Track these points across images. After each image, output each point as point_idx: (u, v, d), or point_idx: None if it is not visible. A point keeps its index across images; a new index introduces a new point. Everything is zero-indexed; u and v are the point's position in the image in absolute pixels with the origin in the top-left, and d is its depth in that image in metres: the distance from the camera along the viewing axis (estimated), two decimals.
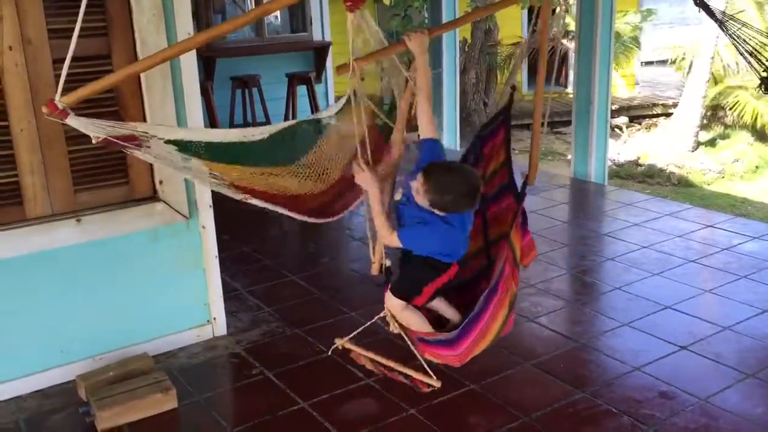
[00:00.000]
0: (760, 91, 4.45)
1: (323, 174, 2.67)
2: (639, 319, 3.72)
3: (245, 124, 8.15)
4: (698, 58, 12.80)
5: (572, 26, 11.47)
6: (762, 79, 4.34)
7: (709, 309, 3.90)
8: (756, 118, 12.40)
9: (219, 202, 3.83)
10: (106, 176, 3.24)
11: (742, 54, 4.38)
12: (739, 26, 4.43)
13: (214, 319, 3.65)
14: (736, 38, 4.38)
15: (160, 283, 3.46)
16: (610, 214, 5.59)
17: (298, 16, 8.95)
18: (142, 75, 3.18)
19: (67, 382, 3.24)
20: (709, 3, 4.84)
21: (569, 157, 7.32)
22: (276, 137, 2.48)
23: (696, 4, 4.57)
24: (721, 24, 4.40)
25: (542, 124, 2.94)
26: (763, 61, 4.29)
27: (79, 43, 3.01)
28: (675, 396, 3.04)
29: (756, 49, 4.36)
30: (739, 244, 4.72)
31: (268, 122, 8.11)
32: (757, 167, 11.72)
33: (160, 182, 3.33)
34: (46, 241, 3.13)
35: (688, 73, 13.38)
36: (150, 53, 3.14)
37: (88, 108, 3.11)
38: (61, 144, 3.09)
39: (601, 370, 3.32)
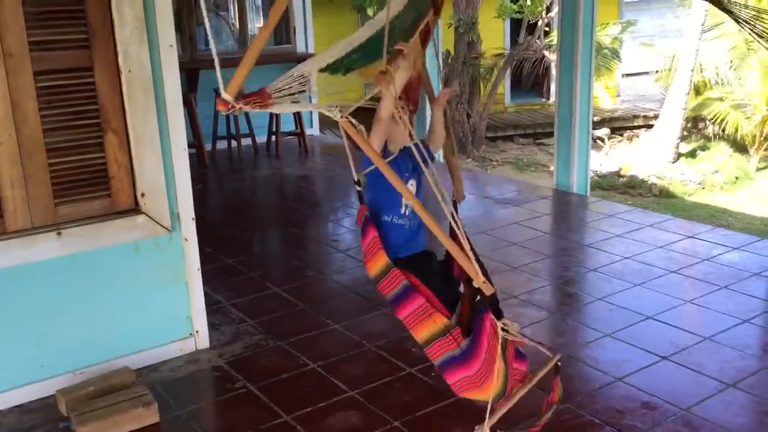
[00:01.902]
0: None
1: None
2: (621, 330, 3.74)
3: (228, 137, 8.15)
4: (679, 70, 12.95)
5: (554, 38, 11.59)
6: None
7: (690, 319, 3.94)
8: (736, 130, 12.56)
9: (202, 214, 3.83)
10: (87, 189, 3.21)
11: (754, 38, 4.33)
12: (753, 13, 4.41)
13: (197, 332, 3.63)
14: (746, 24, 4.36)
15: (142, 296, 3.44)
16: (593, 225, 5.63)
17: (282, 28, 8.97)
18: (124, 88, 3.17)
19: (47, 396, 3.20)
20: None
21: (552, 168, 7.38)
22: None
23: None
24: (730, 13, 4.39)
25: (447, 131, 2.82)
26: None
27: (60, 56, 3.05)
28: (657, 406, 3.05)
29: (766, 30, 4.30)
30: (720, 254, 4.77)
31: (252, 135, 8.11)
32: (737, 178, 11.86)
33: (142, 194, 3.31)
34: (27, 254, 3.10)
35: (668, 84, 13.52)
36: (132, 65, 3.16)
37: (71, 120, 3.12)
38: (42, 156, 3.06)
39: (584, 381, 3.33)
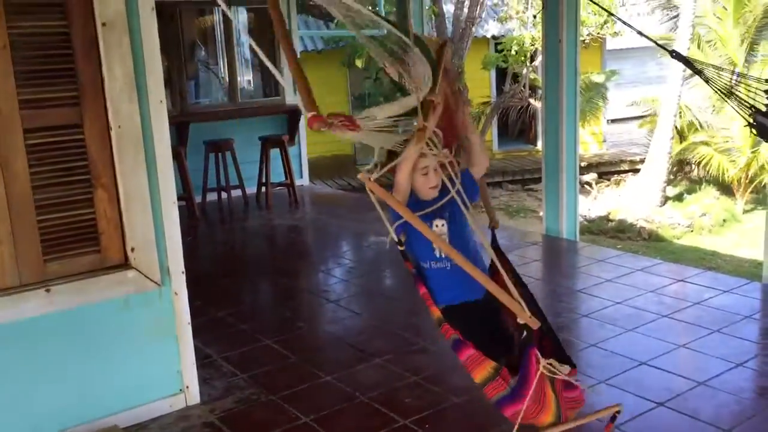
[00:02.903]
0: (752, 134, 4.49)
1: None
2: (616, 376, 3.72)
3: (219, 189, 8.18)
4: (662, 116, 13.17)
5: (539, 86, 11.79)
6: (749, 124, 4.40)
7: (684, 364, 3.92)
8: (721, 173, 12.71)
9: (192, 266, 3.82)
10: (76, 245, 3.20)
11: (725, 99, 4.43)
12: (718, 73, 4.52)
13: (187, 387, 3.58)
14: (716, 86, 4.45)
15: (132, 353, 3.40)
16: (583, 271, 5.64)
17: (271, 81, 9.10)
18: (113, 144, 3.19)
19: None
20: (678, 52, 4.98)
21: (541, 213, 7.42)
22: None
23: (672, 56, 4.70)
24: (700, 73, 4.49)
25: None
26: (747, 105, 4.34)
27: (50, 113, 3.08)
28: None
29: (735, 95, 4.40)
30: (711, 298, 4.77)
31: (242, 186, 8.15)
32: (724, 221, 11.95)
33: (132, 249, 3.31)
34: (15, 312, 3.07)
35: (653, 130, 13.73)
36: (122, 122, 3.19)
37: (61, 177, 3.13)
38: (31, 213, 3.06)
39: (580, 429, 3.29)
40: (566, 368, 2.33)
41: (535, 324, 2.21)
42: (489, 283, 2.24)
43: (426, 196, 2.57)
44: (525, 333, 2.27)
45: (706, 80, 4.38)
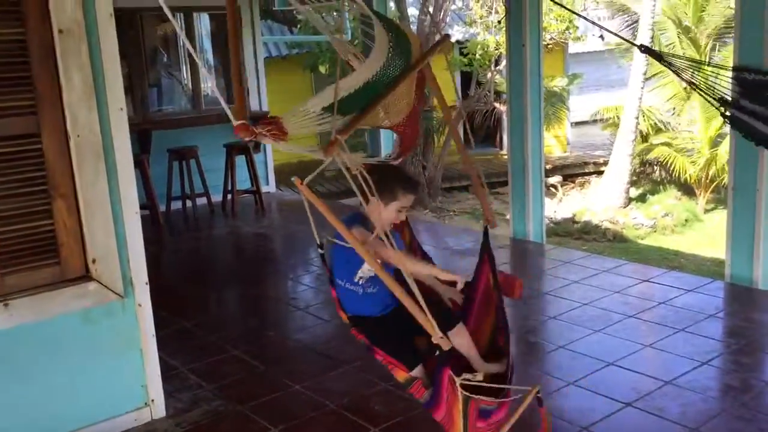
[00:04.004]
0: (725, 123, 4.55)
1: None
2: (584, 378, 3.74)
3: (183, 197, 8.07)
4: (624, 118, 13.37)
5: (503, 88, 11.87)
6: (722, 114, 4.45)
7: (650, 364, 3.96)
8: (682, 174, 12.94)
9: (156, 277, 3.75)
10: (34, 257, 3.12)
11: (695, 90, 4.49)
12: (688, 65, 4.57)
13: (152, 401, 3.50)
14: (687, 77, 4.51)
15: (95, 366, 3.32)
16: (550, 273, 5.68)
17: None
18: (72, 153, 3.12)
19: None
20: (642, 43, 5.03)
21: (508, 216, 7.46)
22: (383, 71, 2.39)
23: (642, 51, 4.74)
24: (669, 65, 4.55)
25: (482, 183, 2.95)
26: (716, 90, 4.40)
27: (6, 122, 2.99)
28: None
29: (708, 86, 4.45)
30: (675, 297, 4.84)
31: (207, 194, 8.05)
32: (686, 220, 12.17)
33: (93, 261, 3.23)
34: None
35: (615, 132, 13.94)
36: (81, 130, 3.12)
37: (18, 188, 3.04)
38: None
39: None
40: (478, 375, 2.37)
41: (446, 345, 2.24)
42: (409, 302, 2.21)
43: (383, 229, 2.48)
44: (438, 351, 2.28)
45: (676, 72, 4.41)
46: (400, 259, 2.34)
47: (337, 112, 2.08)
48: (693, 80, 4.29)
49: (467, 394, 2.28)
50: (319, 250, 2.60)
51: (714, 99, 4.29)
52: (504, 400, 2.37)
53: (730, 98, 4.35)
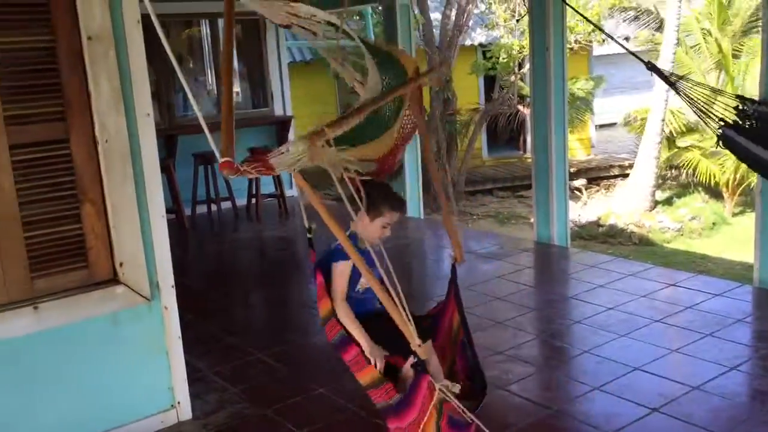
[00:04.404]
0: (719, 146, 4.60)
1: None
2: (609, 383, 3.71)
3: (208, 201, 8.15)
4: (650, 121, 13.24)
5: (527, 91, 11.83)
6: (718, 136, 4.48)
7: (677, 369, 3.91)
8: (709, 177, 12.78)
9: (182, 280, 3.79)
10: (64, 261, 3.17)
11: (695, 112, 4.54)
12: (691, 86, 4.60)
13: (179, 403, 3.54)
14: (687, 98, 4.54)
15: (122, 369, 3.36)
16: (575, 277, 5.64)
17: (259, 91, 9.09)
18: (101, 158, 3.17)
19: None
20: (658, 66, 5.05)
21: (532, 220, 7.43)
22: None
23: (648, 68, 4.74)
24: (673, 85, 4.57)
25: (447, 197, 3.00)
26: (715, 118, 4.45)
27: (36, 129, 3.05)
28: None
29: (706, 108, 4.51)
30: (702, 301, 4.78)
31: (231, 198, 8.11)
32: (714, 224, 12.01)
33: (121, 264, 3.27)
34: (3, 330, 3.03)
35: (641, 135, 13.80)
36: (110, 136, 3.16)
37: (47, 192, 3.10)
38: (18, 230, 3.03)
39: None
40: (456, 386, 2.34)
41: (423, 353, 2.31)
42: (392, 309, 2.28)
43: (372, 243, 2.68)
44: (417, 358, 2.34)
45: (677, 92, 4.45)
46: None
47: (341, 142, 2.13)
48: (694, 100, 4.33)
49: (447, 394, 2.29)
50: (308, 235, 2.72)
51: (713, 119, 4.33)
52: (473, 420, 2.36)
53: (731, 121, 4.37)
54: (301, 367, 4.18)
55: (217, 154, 1.75)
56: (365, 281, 2.68)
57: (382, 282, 2.37)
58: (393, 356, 2.69)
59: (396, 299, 2.29)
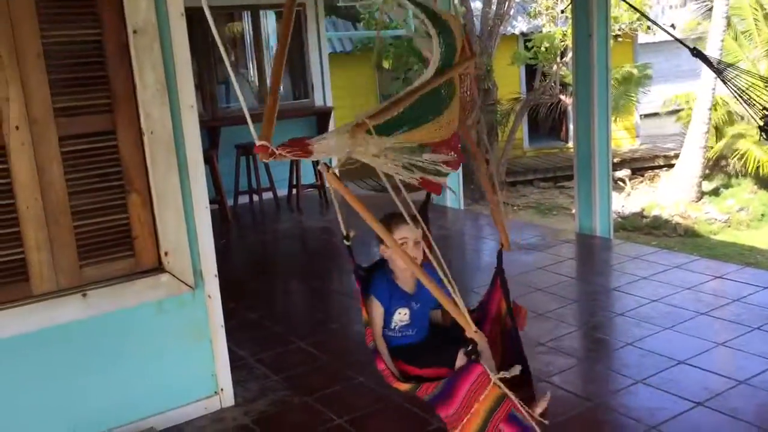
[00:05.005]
0: (762, 138, 4.49)
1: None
2: (653, 376, 3.65)
3: (250, 191, 8.24)
4: (697, 109, 12.94)
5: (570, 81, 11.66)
6: (761, 127, 4.38)
7: (723, 363, 3.84)
8: (758, 167, 12.46)
9: (225, 269, 3.84)
10: (111, 249, 3.25)
11: (739, 102, 4.43)
12: (736, 74, 4.49)
13: (222, 390, 3.60)
14: (733, 87, 4.44)
15: (167, 356, 3.44)
16: (618, 269, 5.56)
17: (300, 83, 9.14)
18: (146, 149, 3.23)
19: None
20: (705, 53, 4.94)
21: (573, 211, 7.34)
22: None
23: (693, 54, 4.64)
24: (719, 73, 4.47)
25: (493, 186, 2.93)
26: (760, 107, 4.34)
27: (84, 120, 3.12)
28: None
29: (752, 98, 4.41)
30: (750, 294, 4.67)
31: (273, 189, 8.19)
32: (762, 215, 11.71)
33: (166, 253, 3.34)
34: (53, 317, 3.12)
35: (687, 124, 13.51)
36: (154, 127, 3.22)
37: (95, 183, 3.17)
38: (67, 219, 3.11)
39: (616, 430, 3.25)
40: (517, 368, 2.34)
41: (480, 338, 2.31)
42: (447, 302, 2.28)
43: (405, 275, 2.67)
44: (470, 346, 2.33)
45: (723, 80, 4.34)
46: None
47: (376, 134, 2.00)
48: (740, 89, 4.20)
49: (506, 391, 2.28)
50: (345, 242, 2.60)
51: (758, 108, 4.19)
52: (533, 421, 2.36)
53: None
54: (342, 356, 4.21)
55: (256, 139, 1.75)
56: (399, 319, 2.66)
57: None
58: (439, 368, 2.60)
59: (450, 287, 2.28)
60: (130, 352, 3.35)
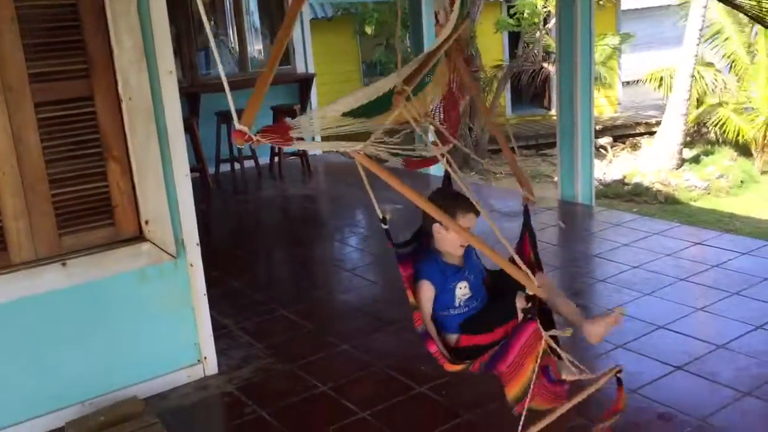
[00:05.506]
0: None
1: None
2: (633, 341, 3.70)
3: (231, 160, 8.17)
4: (678, 77, 12.96)
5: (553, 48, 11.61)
6: None
7: (702, 327, 3.89)
8: (738, 134, 12.54)
9: (207, 238, 3.82)
10: (90, 218, 3.21)
11: (757, 22, 4.29)
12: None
13: (205, 358, 3.60)
14: (749, 11, 4.32)
15: (149, 324, 3.42)
16: (599, 235, 5.60)
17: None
18: (124, 115, 3.17)
19: (58, 429, 3.17)
20: None
21: (556, 179, 7.36)
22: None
23: None
24: (736, 6, 4.35)
25: (512, 148, 2.88)
26: None
27: (60, 86, 3.06)
28: (673, 417, 3.01)
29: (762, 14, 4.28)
30: (729, 260, 4.73)
31: (254, 157, 8.12)
32: (742, 182, 11.83)
33: (146, 222, 3.30)
34: (32, 286, 3.09)
35: (668, 92, 13.54)
36: (132, 93, 3.16)
37: (73, 150, 3.12)
38: (45, 187, 3.06)
39: (598, 394, 3.28)
40: (569, 330, 2.35)
41: (542, 293, 2.27)
42: (503, 263, 2.27)
43: (455, 253, 2.58)
44: (530, 303, 2.29)
45: (746, 13, 4.24)
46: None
47: (360, 116, 1.94)
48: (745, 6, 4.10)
49: (554, 346, 2.28)
50: (383, 225, 2.39)
51: None
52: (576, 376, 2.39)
53: None
54: (326, 324, 4.22)
55: (235, 119, 1.69)
56: (462, 293, 2.57)
57: None
58: (506, 324, 2.49)
59: (508, 247, 2.26)
60: (112, 322, 3.33)
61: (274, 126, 1.76)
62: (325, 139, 1.85)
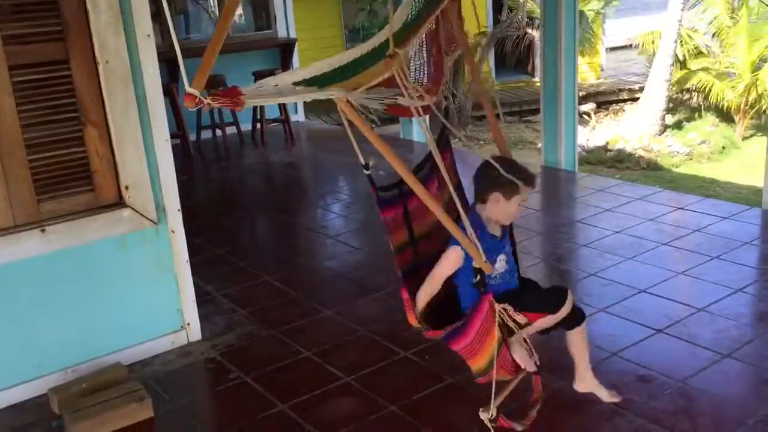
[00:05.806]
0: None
1: None
2: (615, 305, 3.73)
3: (213, 126, 8.07)
4: (662, 43, 12.93)
5: (537, 14, 11.53)
6: None
7: (683, 291, 3.93)
8: (721, 100, 12.57)
9: (189, 205, 3.78)
10: (69, 184, 3.16)
11: None
12: None
13: (188, 324, 3.59)
14: None
15: (131, 291, 3.40)
16: (582, 201, 5.62)
17: (262, 14, 8.88)
18: (101, 80, 3.11)
19: (40, 395, 3.16)
20: None
21: (539, 145, 7.35)
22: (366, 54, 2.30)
23: None
24: None
25: (497, 114, 2.87)
26: None
27: (34, 49, 2.98)
28: (653, 379, 3.05)
29: None
30: (710, 225, 4.76)
31: (236, 123, 8.03)
32: (723, 148, 11.89)
33: (126, 188, 3.26)
34: (10, 253, 3.05)
35: (652, 57, 13.51)
36: (110, 57, 3.10)
37: (49, 115, 3.06)
38: (21, 153, 3.00)
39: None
40: (523, 318, 2.39)
41: (487, 269, 2.27)
42: (455, 229, 2.23)
43: (504, 222, 2.58)
44: (478, 277, 2.29)
45: None
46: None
47: (314, 83, 1.95)
48: None
49: (512, 315, 2.33)
50: (365, 171, 2.37)
51: None
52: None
53: None
54: (309, 290, 4.22)
55: (186, 84, 1.66)
56: (501, 266, 2.52)
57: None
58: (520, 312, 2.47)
59: (463, 215, 2.23)
60: (94, 288, 3.30)
61: (224, 89, 1.76)
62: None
